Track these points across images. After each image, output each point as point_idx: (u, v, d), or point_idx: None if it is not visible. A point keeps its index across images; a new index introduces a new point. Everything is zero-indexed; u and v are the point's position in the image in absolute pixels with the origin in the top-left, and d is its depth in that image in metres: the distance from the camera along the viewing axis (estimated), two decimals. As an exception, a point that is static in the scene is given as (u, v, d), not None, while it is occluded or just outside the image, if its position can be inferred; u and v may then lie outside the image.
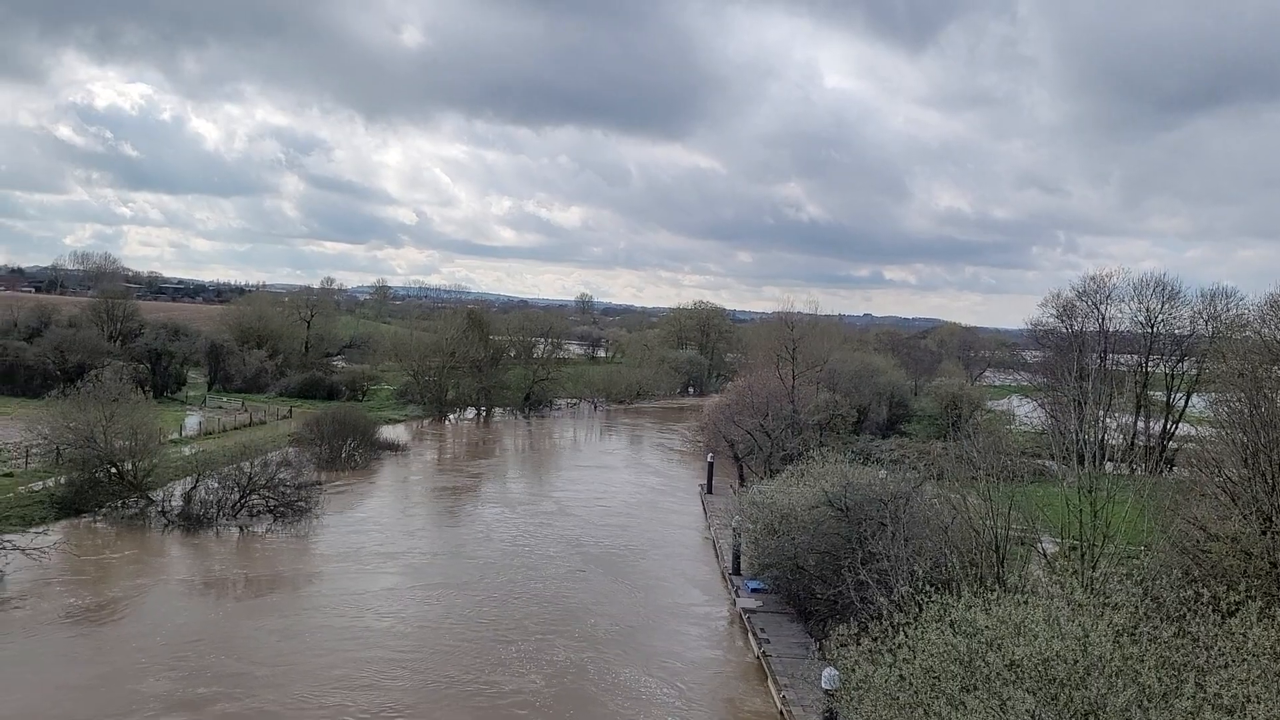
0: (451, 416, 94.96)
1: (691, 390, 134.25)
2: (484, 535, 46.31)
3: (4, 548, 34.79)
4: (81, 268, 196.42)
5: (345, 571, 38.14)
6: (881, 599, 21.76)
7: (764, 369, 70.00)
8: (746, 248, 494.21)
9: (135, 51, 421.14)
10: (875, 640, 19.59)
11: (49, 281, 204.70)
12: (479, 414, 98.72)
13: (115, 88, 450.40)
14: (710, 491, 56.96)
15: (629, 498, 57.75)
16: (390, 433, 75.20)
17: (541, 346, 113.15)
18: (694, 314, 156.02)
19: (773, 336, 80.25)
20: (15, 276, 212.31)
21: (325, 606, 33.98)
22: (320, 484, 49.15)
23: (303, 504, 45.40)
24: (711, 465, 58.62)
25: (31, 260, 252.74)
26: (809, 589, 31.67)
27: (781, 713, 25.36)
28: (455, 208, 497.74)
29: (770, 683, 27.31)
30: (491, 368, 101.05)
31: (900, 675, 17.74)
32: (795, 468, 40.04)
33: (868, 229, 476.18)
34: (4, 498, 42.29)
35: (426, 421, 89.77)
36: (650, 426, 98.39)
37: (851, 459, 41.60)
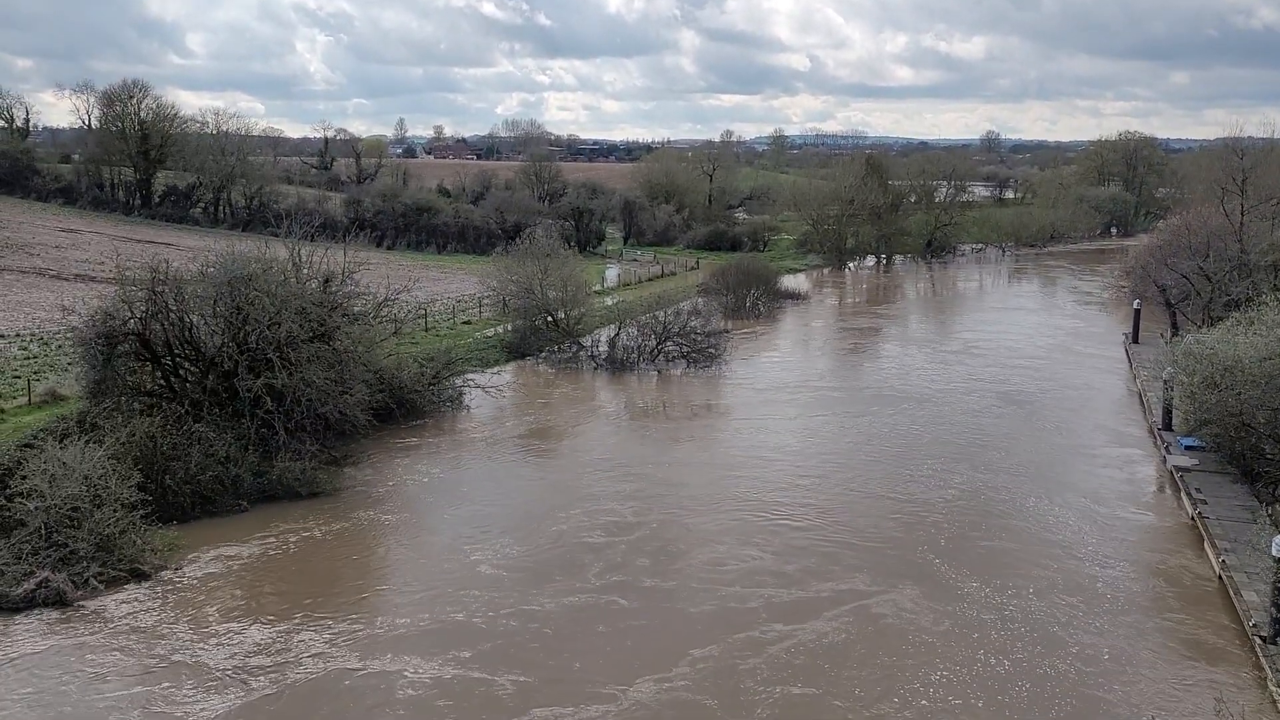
0: (851, 265, 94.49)
1: (1114, 231, 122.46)
2: (888, 372, 47.55)
3: (469, 386, 40.44)
4: (512, 135, 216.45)
5: (759, 404, 40.69)
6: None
7: (1205, 204, 61.84)
8: (1182, 67, 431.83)
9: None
10: (1343, 507, 17.38)
11: (487, 149, 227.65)
12: (879, 261, 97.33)
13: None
14: (1136, 341, 52.34)
15: (1042, 342, 55.03)
16: (791, 282, 76.50)
17: (944, 190, 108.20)
18: (1118, 146, 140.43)
19: (1216, 167, 70.65)
20: (461, 145, 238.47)
21: (744, 431, 36.93)
22: (728, 331, 51.51)
23: (712, 350, 47.94)
24: (1138, 312, 53.64)
25: (471, 130, 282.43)
26: (1257, 449, 28.49)
27: (1220, 577, 23.45)
28: (849, 49, 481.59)
29: (1208, 546, 25.24)
30: (891, 214, 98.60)
31: (1375, 547, 15.68)
32: (1242, 315, 35.54)
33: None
34: (465, 343, 48.76)
35: (826, 270, 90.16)
36: (1065, 271, 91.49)
37: (1317, 305, 36.01)
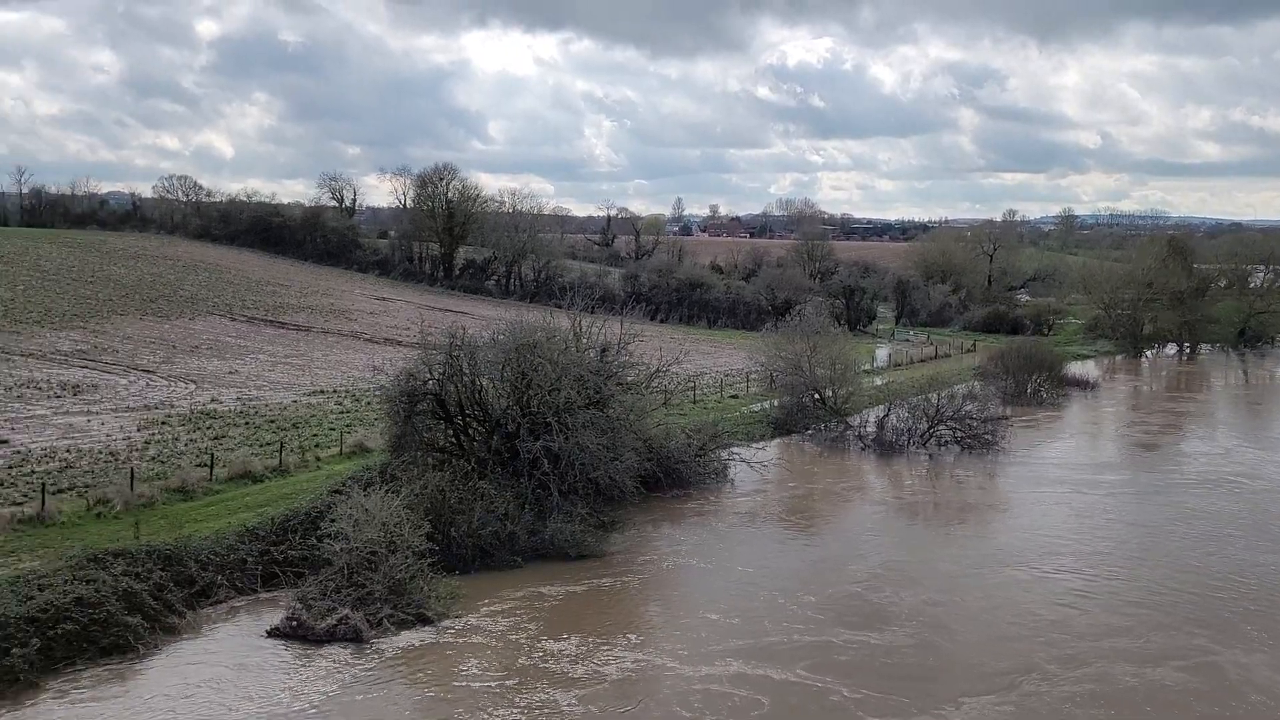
0: (1148, 353, 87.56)
1: None
2: (1190, 465, 44.30)
3: (734, 459, 40.64)
4: (785, 213, 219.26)
5: (1036, 502, 37.85)
6: None
7: None
8: None
9: (819, 10, 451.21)
10: None
11: (760, 227, 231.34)
12: (1181, 350, 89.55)
13: (804, 45, 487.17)
14: None
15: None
16: (1078, 369, 71.91)
17: (1260, 275, 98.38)
18: None
19: None
20: (734, 224, 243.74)
21: (1016, 531, 34.56)
22: (1006, 418, 48.94)
23: (989, 437, 45.67)
24: None
25: (745, 209, 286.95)
26: None
27: None
28: (1145, 125, 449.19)
29: None
30: (1196, 299, 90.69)
31: None
32: None
33: None
34: (732, 416, 49.17)
35: (1119, 358, 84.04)
36: None
37: None
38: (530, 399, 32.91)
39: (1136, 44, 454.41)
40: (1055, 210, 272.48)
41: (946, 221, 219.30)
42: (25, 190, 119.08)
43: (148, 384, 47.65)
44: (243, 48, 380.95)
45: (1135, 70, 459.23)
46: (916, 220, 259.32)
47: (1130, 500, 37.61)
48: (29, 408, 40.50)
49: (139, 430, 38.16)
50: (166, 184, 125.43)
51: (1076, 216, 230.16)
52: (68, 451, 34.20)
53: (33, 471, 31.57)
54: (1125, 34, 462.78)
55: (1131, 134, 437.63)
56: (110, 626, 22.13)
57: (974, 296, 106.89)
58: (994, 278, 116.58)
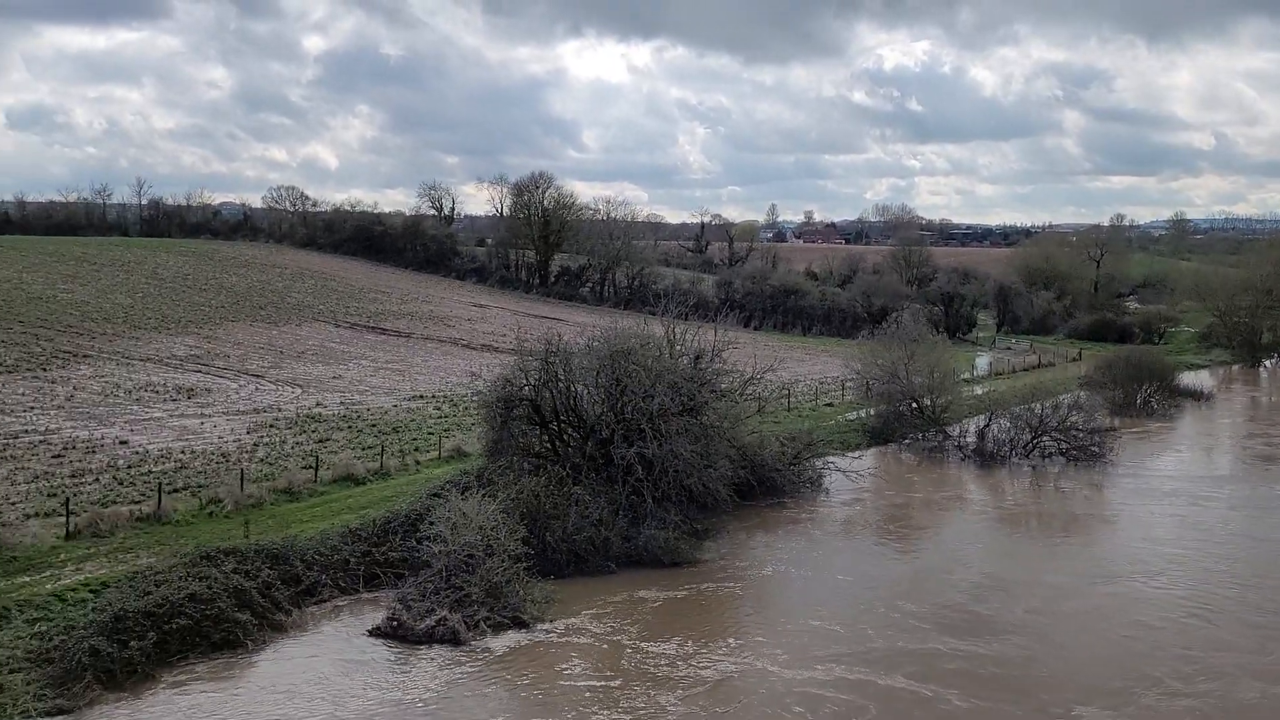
0: (1267, 362, 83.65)
1: None
2: None
3: (829, 468, 40.11)
4: (881, 219, 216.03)
5: (1147, 515, 36.41)
6: None
7: None
8: None
9: (917, 12, 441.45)
10: None
11: (855, 233, 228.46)
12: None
13: (901, 49, 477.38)
14: None
15: None
16: (1191, 379, 68.92)
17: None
18: None
19: None
20: (829, 230, 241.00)
21: (1126, 543, 33.41)
22: (1115, 430, 47.34)
23: (1096, 448, 44.20)
24: None
25: (840, 215, 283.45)
26: None
27: None
28: (1263, 125, 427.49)
29: None
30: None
31: None
32: None
33: None
34: (827, 425, 48.64)
35: (1235, 367, 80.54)
36: None
37: None
38: (624, 405, 33.03)
39: (1254, 41, 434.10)
40: (1166, 214, 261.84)
41: (1050, 226, 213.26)
42: (144, 201, 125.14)
43: (257, 388, 49.37)
44: (347, 62, 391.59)
45: (1252, 69, 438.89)
46: (1018, 225, 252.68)
47: (1250, 514, 36.07)
48: (147, 410, 42.35)
49: (248, 433, 39.57)
50: (275, 195, 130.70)
51: (1189, 221, 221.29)
52: (182, 453, 35.66)
53: (150, 471, 33.02)
54: (1241, 31, 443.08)
55: (1249, 135, 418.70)
56: (221, 622, 22.95)
57: (1079, 303, 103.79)
58: (1100, 284, 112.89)
